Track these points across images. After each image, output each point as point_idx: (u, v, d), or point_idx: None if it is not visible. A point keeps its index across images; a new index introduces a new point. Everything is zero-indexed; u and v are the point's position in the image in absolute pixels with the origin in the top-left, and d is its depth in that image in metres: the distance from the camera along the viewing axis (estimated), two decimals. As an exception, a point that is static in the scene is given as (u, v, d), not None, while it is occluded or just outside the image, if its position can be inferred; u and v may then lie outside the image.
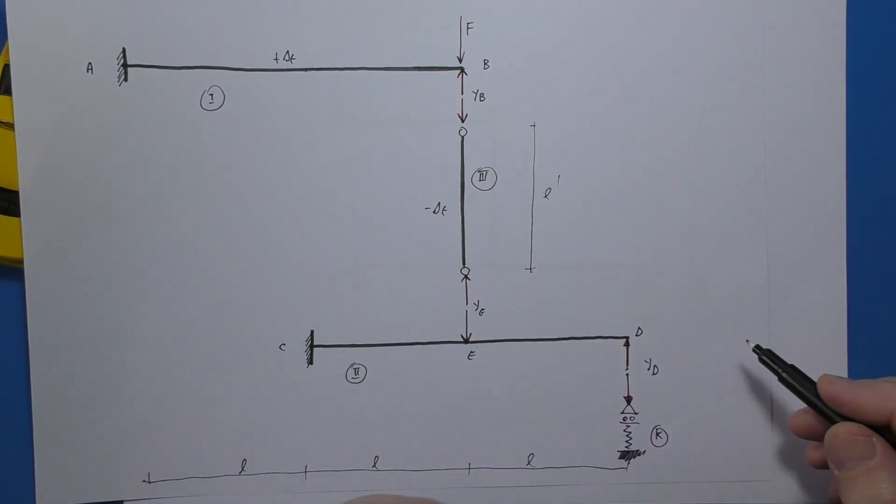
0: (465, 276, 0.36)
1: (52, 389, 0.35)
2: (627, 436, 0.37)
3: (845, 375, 0.36)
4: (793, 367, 0.33)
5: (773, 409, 0.37)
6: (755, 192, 0.36)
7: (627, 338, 0.37)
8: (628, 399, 0.37)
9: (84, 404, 0.35)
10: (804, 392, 0.32)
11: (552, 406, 0.36)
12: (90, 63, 0.35)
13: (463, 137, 0.36)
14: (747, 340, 0.35)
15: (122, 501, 0.36)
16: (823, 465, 0.32)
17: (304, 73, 0.35)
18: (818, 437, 0.32)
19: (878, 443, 0.30)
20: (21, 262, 0.35)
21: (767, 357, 0.34)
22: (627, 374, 0.37)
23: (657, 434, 0.37)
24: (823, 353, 0.37)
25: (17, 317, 0.36)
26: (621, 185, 0.36)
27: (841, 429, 0.31)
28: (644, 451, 0.37)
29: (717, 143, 0.36)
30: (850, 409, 0.31)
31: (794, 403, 0.34)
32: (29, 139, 0.35)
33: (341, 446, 0.36)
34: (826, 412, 0.32)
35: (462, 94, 0.36)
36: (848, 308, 0.37)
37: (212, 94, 0.35)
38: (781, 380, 0.33)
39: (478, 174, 0.36)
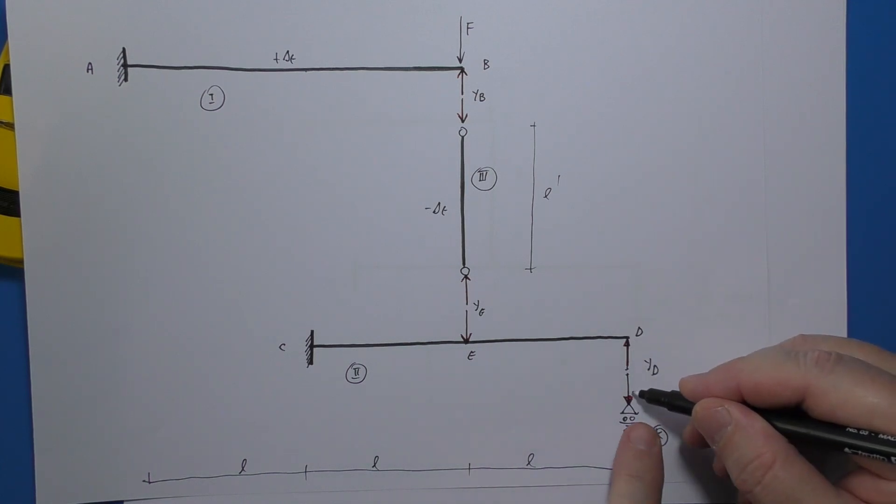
0: (465, 276, 0.36)
1: (52, 389, 0.35)
2: (627, 436, 0.37)
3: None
4: (673, 392, 0.35)
5: (773, 409, 0.37)
6: (755, 192, 0.36)
7: (627, 338, 0.37)
8: (628, 399, 0.37)
9: (84, 404, 0.35)
10: (686, 406, 0.34)
11: (552, 406, 0.37)
12: (90, 63, 0.35)
13: (463, 137, 0.36)
14: (633, 393, 0.36)
15: (122, 501, 0.36)
16: (700, 444, 0.34)
17: (304, 73, 0.35)
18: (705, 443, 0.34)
19: (731, 408, 0.31)
20: (21, 262, 0.35)
21: (650, 395, 0.36)
22: (627, 374, 0.37)
23: (657, 434, 0.37)
24: (823, 353, 0.37)
25: (17, 317, 0.36)
26: (621, 185, 0.36)
27: (698, 407, 0.32)
28: (644, 451, 0.37)
29: (717, 143, 0.36)
30: (706, 396, 0.33)
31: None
32: (29, 139, 0.35)
33: (341, 446, 0.36)
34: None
35: (462, 94, 0.36)
36: (848, 308, 0.37)
37: (212, 94, 0.35)
38: (671, 408, 0.35)
39: (478, 174, 0.36)
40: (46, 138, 0.35)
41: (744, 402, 0.31)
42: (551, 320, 0.36)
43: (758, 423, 0.30)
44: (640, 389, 0.36)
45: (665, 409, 0.35)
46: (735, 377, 0.32)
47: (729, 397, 0.32)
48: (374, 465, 0.36)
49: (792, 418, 0.30)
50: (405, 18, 0.36)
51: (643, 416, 0.37)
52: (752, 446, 0.30)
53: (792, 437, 0.30)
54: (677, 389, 0.35)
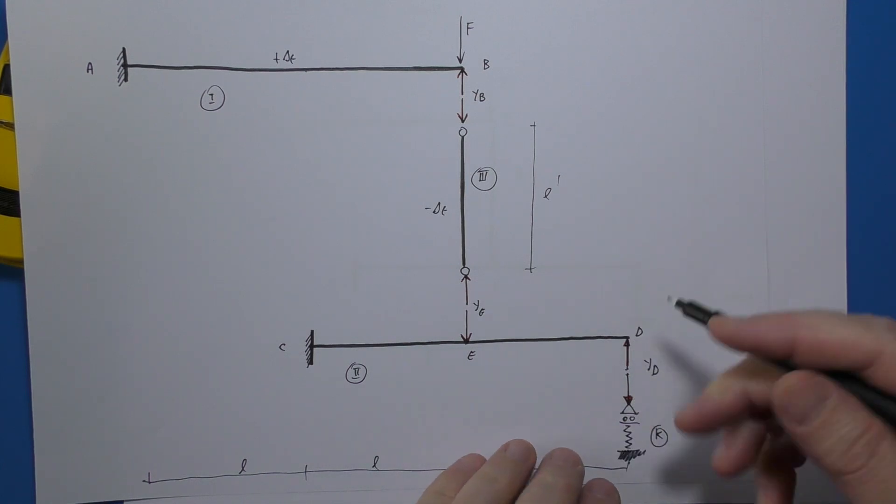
0: (465, 276, 0.36)
1: (52, 389, 0.35)
2: (627, 436, 0.37)
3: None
4: (717, 312, 0.31)
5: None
6: (755, 193, 0.36)
7: (627, 338, 0.37)
8: (628, 399, 0.37)
9: (84, 404, 0.35)
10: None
11: (552, 406, 0.36)
12: (90, 63, 0.35)
13: (463, 137, 0.36)
14: (669, 297, 0.33)
15: (122, 501, 0.36)
16: (739, 469, 0.30)
17: (304, 73, 0.35)
18: (709, 429, 0.30)
19: (828, 381, 0.27)
20: (21, 262, 0.35)
21: (690, 308, 0.32)
22: (627, 374, 0.37)
23: (657, 434, 0.37)
24: (823, 353, 0.37)
25: (17, 317, 0.36)
26: (621, 185, 0.36)
27: (788, 379, 0.27)
28: (644, 451, 0.37)
29: (717, 143, 0.36)
30: (752, 346, 0.28)
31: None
32: (29, 139, 0.35)
33: (341, 446, 0.36)
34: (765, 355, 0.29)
35: (462, 94, 0.36)
36: (848, 308, 0.37)
37: (212, 94, 0.35)
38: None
39: (478, 174, 0.36)
40: (46, 138, 0.35)
41: (785, 363, 0.28)
42: (551, 320, 0.36)
43: (853, 399, 0.27)
44: (679, 298, 0.32)
45: (664, 410, 0.35)
46: (793, 329, 0.27)
47: (779, 350, 0.28)
48: (374, 465, 0.36)
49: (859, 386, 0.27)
50: (405, 18, 0.36)
51: (643, 417, 0.37)
52: (861, 419, 0.26)
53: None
54: (717, 312, 0.31)
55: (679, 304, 0.32)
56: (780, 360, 0.28)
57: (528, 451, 0.36)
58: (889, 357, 0.26)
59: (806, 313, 0.28)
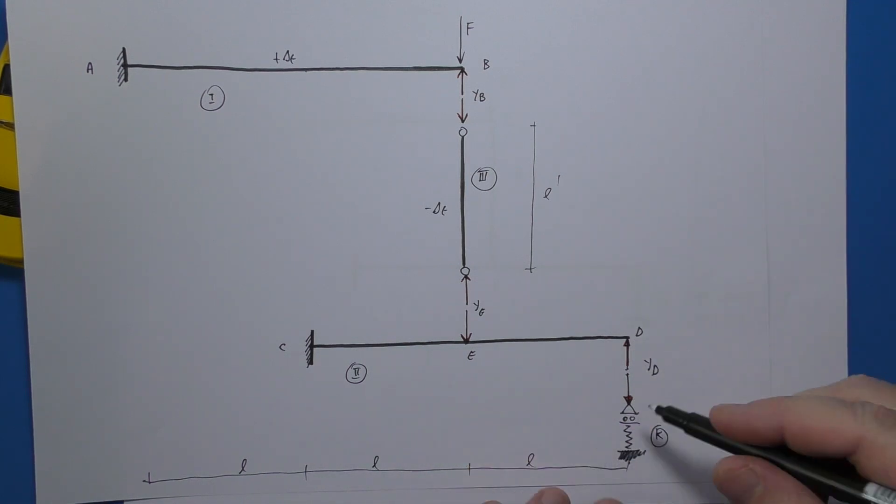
0: (465, 276, 0.36)
1: (52, 389, 0.35)
2: (627, 436, 0.37)
3: (845, 375, 0.36)
4: (693, 414, 0.32)
5: (773, 409, 0.37)
6: (755, 192, 0.36)
7: (627, 338, 0.37)
8: (628, 399, 0.37)
9: (84, 404, 0.35)
10: (711, 434, 0.31)
11: (552, 406, 0.37)
12: (90, 63, 0.35)
13: (463, 137, 0.36)
14: (649, 406, 0.34)
15: (122, 501, 0.36)
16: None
17: (304, 73, 0.35)
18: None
19: (758, 467, 0.29)
20: (21, 262, 0.35)
21: (669, 413, 0.33)
22: (627, 374, 0.37)
23: (657, 434, 0.37)
24: (823, 353, 0.37)
25: (17, 317, 0.36)
26: (621, 185, 0.36)
27: (720, 468, 0.30)
28: (644, 451, 0.37)
29: (717, 143, 0.36)
30: (745, 434, 0.30)
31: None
32: (29, 139, 0.35)
33: (341, 446, 0.36)
34: (731, 446, 0.30)
35: (462, 94, 0.36)
36: (848, 308, 0.37)
37: (212, 94, 0.35)
38: (688, 431, 0.32)
39: (478, 174, 0.36)
40: (46, 138, 0.35)
41: (781, 447, 0.29)
42: (551, 320, 0.36)
43: (788, 483, 0.28)
44: (658, 405, 0.34)
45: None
46: (781, 415, 0.29)
47: (769, 436, 0.29)
48: (374, 465, 0.36)
49: (827, 470, 0.28)
50: (405, 18, 0.36)
51: (643, 417, 0.37)
52: None
53: (830, 493, 0.28)
54: (697, 413, 0.32)
55: (659, 410, 0.33)
56: (775, 446, 0.29)
57: (560, 501, 0.35)
58: (868, 444, 0.27)
59: (798, 399, 0.29)
